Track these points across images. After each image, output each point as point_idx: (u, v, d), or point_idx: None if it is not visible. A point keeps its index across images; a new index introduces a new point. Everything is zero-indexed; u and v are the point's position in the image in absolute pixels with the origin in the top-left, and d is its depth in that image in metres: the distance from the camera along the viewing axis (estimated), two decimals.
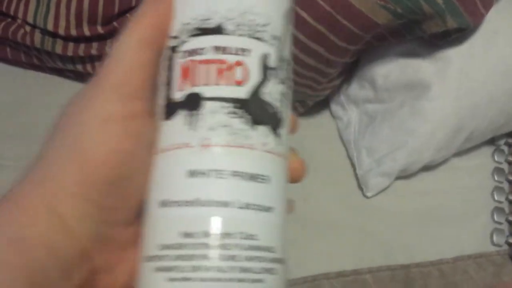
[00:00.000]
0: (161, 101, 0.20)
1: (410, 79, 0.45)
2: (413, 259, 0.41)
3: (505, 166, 0.47)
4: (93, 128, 0.18)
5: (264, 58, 0.20)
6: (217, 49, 0.19)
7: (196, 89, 0.19)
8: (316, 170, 0.47)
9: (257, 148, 0.19)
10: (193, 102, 0.19)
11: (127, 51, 0.19)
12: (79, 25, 0.49)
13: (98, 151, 0.17)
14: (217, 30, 0.19)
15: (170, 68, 0.20)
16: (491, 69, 0.44)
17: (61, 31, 0.49)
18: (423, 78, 0.45)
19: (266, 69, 0.20)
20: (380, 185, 0.45)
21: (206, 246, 0.17)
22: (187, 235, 0.17)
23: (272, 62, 0.20)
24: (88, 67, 0.52)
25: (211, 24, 0.19)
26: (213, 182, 0.18)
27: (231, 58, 0.19)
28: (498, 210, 0.44)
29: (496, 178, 0.46)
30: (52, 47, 0.50)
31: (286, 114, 0.21)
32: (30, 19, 0.51)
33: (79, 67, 0.52)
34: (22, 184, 0.18)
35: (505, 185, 0.46)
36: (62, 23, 0.50)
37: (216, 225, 0.18)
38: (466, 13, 0.41)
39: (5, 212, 0.17)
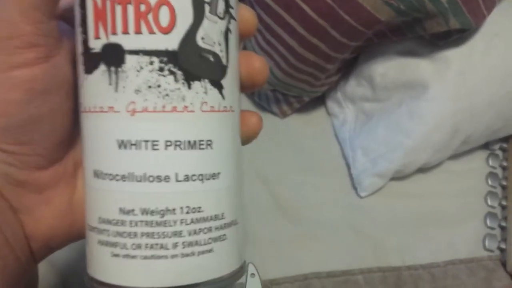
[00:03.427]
0: (78, 48, 0.17)
1: (409, 78, 0.45)
2: (405, 262, 0.41)
3: (499, 171, 0.47)
4: None
5: None
6: None
7: (114, 39, 0.16)
8: (310, 168, 0.46)
9: (194, 110, 0.16)
10: (113, 56, 0.16)
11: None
12: None
13: None
14: None
15: (83, 5, 0.16)
16: (490, 72, 0.44)
17: None
18: (421, 78, 0.44)
19: (199, 5, 0.16)
20: (375, 185, 0.44)
21: (146, 223, 0.16)
22: (126, 211, 0.16)
23: None
24: None
25: None
26: (146, 155, 0.16)
27: None
28: (491, 215, 0.44)
29: (489, 183, 0.46)
30: None
31: (233, 55, 0.17)
32: None
33: None
34: None
35: (499, 190, 0.46)
36: None
37: (155, 201, 0.16)
38: (469, 14, 0.40)
39: None
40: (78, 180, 0.20)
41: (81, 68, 0.17)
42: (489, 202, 0.45)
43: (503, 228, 0.43)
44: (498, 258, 0.42)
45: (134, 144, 0.16)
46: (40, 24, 0.16)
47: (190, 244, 0.16)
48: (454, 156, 0.46)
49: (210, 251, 0.17)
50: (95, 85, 0.16)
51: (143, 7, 0.15)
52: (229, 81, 0.17)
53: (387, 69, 0.46)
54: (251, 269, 0.39)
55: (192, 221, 0.16)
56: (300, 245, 0.41)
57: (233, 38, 0.17)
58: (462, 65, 0.43)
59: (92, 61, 0.16)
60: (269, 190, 0.43)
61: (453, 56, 0.43)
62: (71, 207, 0.20)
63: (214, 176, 0.17)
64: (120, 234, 0.16)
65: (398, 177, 0.45)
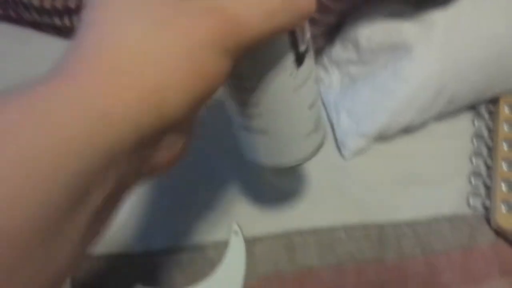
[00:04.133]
0: (287, 62, 0.24)
1: (394, 40, 0.45)
2: (388, 219, 0.41)
3: (485, 132, 0.47)
4: None
5: None
6: None
7: (307, 38, 0.25)
8: None
9: None
10: (309, 46, 0.25)
11: None
12: None
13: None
14: None
15: (293, 35, 0.24)
16: (476, 33, 0.44)
17: None
18: (406, 39, 0.44)
19: None
20: (358, 145, 0.44)
21: None
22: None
23: None
24: (66, 21, 0.50)
25: None
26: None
27: None
28: (476, 174, 0.44)
29: (475, 143, 0.46)
30: None
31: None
32: None
33: (57, 20, 0.50)
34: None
35: (484, 150, 0.46)
36: None
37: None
38: None
39: (89, 82, 0.16)
40: None
41: (293, 67, 0.25)
42: (474, 162, 0.45)
43: (487, 187, 0.44)
44: (483, 215, 0.42)
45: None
46: None
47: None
48: (439, 117, 0.46)
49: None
50: (306, 69, 0.25)
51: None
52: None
53: (372, 31, 0.46)
54: (234, 227, 0.40)
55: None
56: (283, 203, 0.41)
57: None
58: (448, 26, 0.43)
59: (302, 57, 0.25)
60: None
61: (439, 17, 0.43)
62: None
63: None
64: None
65: (382, 138, 0.45)
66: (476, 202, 0.43)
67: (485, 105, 0.48)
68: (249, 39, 0.18)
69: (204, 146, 0.43)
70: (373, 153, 0.45)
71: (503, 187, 0.43)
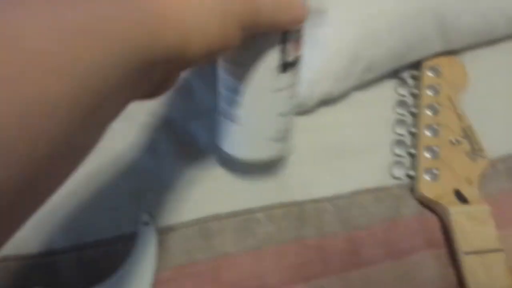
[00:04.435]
0: (273, 63, 0.29)
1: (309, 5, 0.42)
2: (309, 196, 0.39)
3: (408, 99, 0.45)
4: None
5: None
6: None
7: (299, 53, 0.30)
8: (210, 110, 0.43)
9: None
10: (297, 62, 0.30)
11: None
12: None
13: None
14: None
15: (284, 41, 0.28)
16: None
17: None
18: (321, 3, 0.41)
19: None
20: None
21: None
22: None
23: None
24: None
25: None
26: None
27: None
28: (399, 143, 0.43)
29: (398, 111, 0.44)
30: None
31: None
32: None
33: None
34: None
35: (408, 118, 0.44)
36: None
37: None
38: None
39: (148, 5, 0.19)
40: None
41: (276, 72, 0.29)
42: (398, 130, 0.43)
43: (412, 156, 0.42)
44: (406, 186, 0.41)
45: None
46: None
47: None
48: (362, 86, 0.44)
49: None
50: (287, 78, 0.30)
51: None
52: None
53: None
54: (144, 217, 0.37)
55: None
56: (199, 186, 0.39)
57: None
58: None
59: (286, 67, 0.29)
60: (169, 134, 0.41)
61: None
62: None
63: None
64: None
65: (302, 111, 0.43)
66: (400, 173, 0.42)
67: (409, 71, 0.46)
68: (260, 24, 0.24)
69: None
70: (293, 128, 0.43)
71: (427, 154, 0.41)
